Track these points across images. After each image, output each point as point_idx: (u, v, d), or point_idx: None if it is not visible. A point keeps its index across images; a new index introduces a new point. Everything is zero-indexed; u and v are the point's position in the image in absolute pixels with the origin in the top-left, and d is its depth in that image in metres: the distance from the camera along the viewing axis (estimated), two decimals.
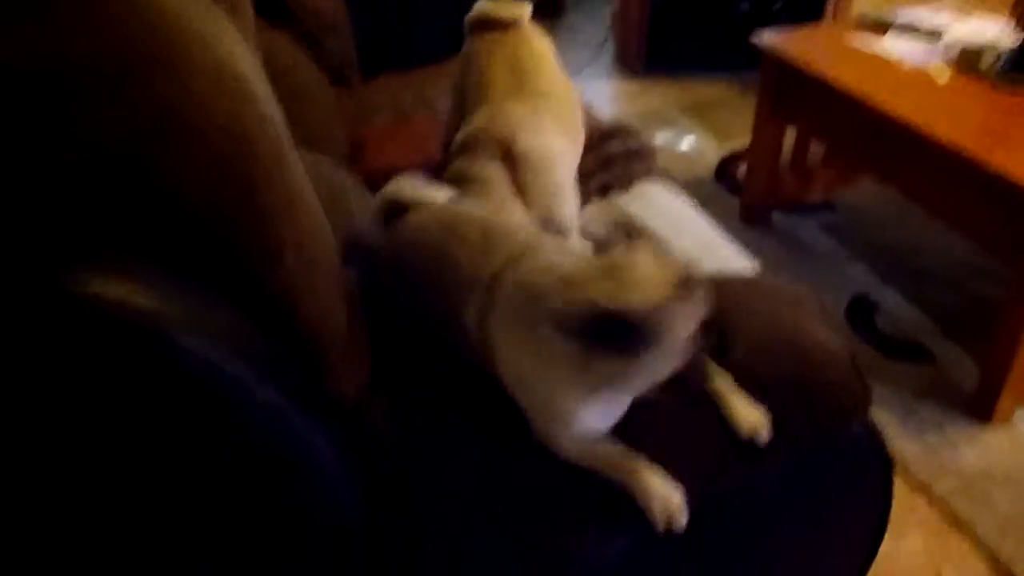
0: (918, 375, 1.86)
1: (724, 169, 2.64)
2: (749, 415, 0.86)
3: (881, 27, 2.12)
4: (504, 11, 1.39)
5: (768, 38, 2.10)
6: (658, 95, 3.18)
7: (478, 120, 1.25)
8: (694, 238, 1.34)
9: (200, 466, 0.68)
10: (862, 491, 1.03)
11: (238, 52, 0.86)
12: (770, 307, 0.97)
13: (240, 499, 0.72)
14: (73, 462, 0.64)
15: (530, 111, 1.24)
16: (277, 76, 1.38)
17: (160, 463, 0.67)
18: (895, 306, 2.06)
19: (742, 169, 2.55)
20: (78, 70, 0.64)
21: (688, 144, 2.85)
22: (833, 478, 0.98)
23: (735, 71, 3.21)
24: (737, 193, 2.48)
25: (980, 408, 1.75)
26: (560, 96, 1.32)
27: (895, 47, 2.03)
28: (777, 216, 2.38)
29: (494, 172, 1.16)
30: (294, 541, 0.76)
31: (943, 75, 1.90)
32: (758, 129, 2.23)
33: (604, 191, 1.48)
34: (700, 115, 3.02)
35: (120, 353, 0.62)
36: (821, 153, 2.42)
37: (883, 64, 1.97)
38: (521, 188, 1.17)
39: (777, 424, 0.87)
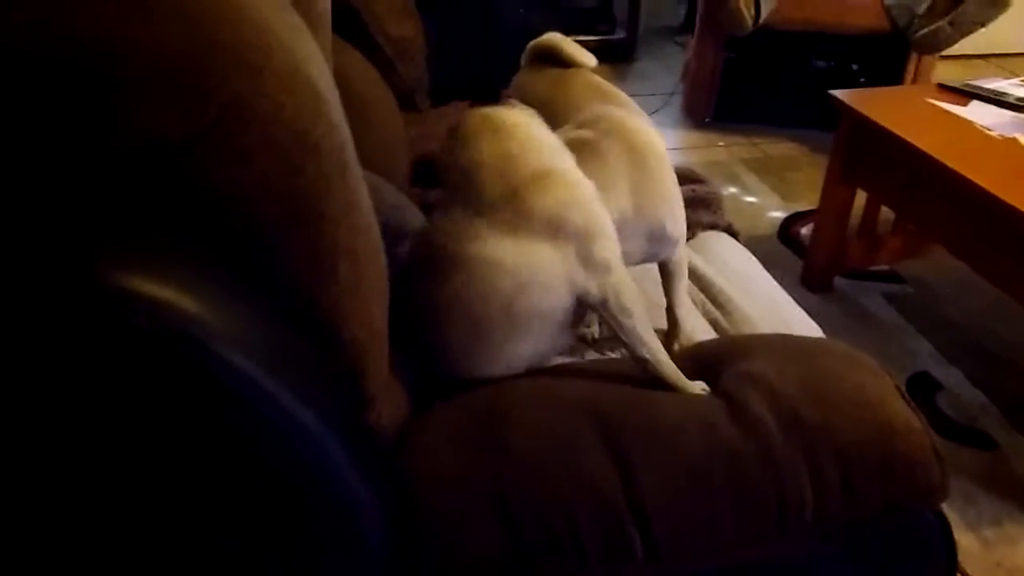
0: (978, 463, 1.76)
1: (788, 229, 2.57)
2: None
3: (965, 95, 2.06)
4: (576, 51, 1.36)
5: (846, 95, 2.04)
6: (724, 148, 3.14)
7: (584, 116, 1.12)
8: (759, 297, 1.28)
9: (224, 484, 0.65)
10: None
11: (314, 60, 0.84)
12: (848, 371, 0.91)
13: (268, 524, 0.68)
14: (89, 464, 0.61)
15: (636, 115, 1.17)
16: (348, 94, 1.37)
17: (182, 474, 0.64)
18: (958, 387, 1.96)
19: (806, 231, 2.48)
20: (151, 53, 0.62)
21: (752, 200, 2.79)
22: (894, 564, 0.91)
23: (806, 130, 3.15)
24: (800, 255, 2.41)
25: None
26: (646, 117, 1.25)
27: (980, 115, 1.96)
28: (840, 282, 2.30)
29: (614, 158, 1.04)
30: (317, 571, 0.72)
31: None
32: (828, 190, 2.16)
33: None
34: (766, 172, 2.96)
35: (154, 356, 0.59)
36: (891, 219, 2.35)
37: (967, 131, 1.90)
38: (638, 187, 1.05)
39: (850, 492, 0.81)
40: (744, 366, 0.89)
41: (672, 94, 3.47)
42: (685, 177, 1.55)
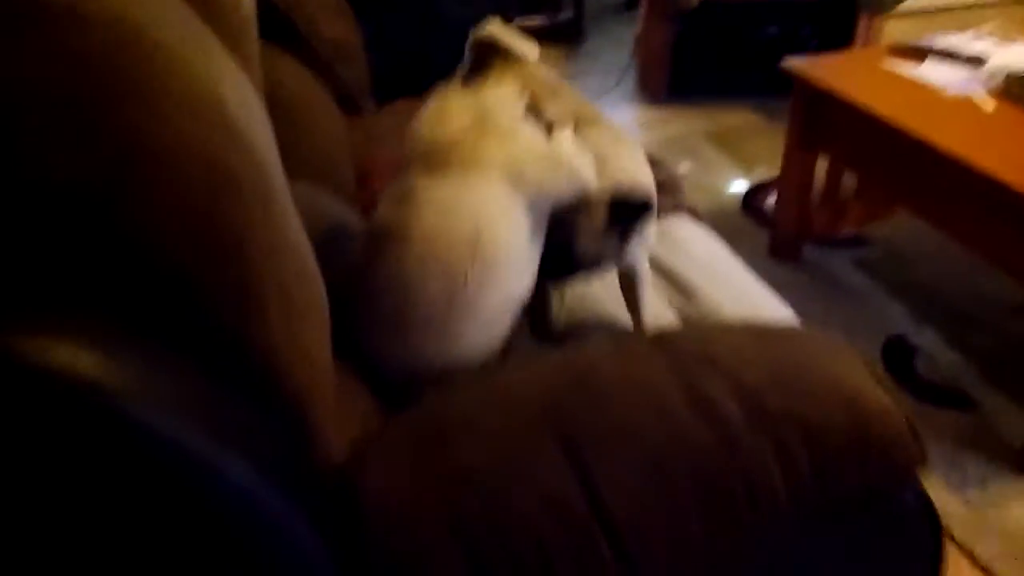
0: (960, 425, 1.74)
1: (751, 200, 2.54)
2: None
3: (919, 54, 2.03)
4: (516, 43, 1.28)
5: (799, 64, 2.00)
6: (682, 123, 3.10)
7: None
8: (726, 282, 1.24)
9: (156, 548, 0.59)
10: (909, 566, 0.93)
11: (228, 81, 0.78)
12: (820, 359, 0.88)
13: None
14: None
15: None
16: (282, 103, 1.31)
17: (106, 540, 0.58)
18: (934, 349, 1.94)
19: (769, 200, 2.45)
20: (29, 96, 0.56)
21: (712, 173, 2.76)
22: (879, 549, 0.88)
23: (762, 98, 3.12)
24: (765, 225, 2.38)
25: None
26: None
27: (934, 74, 1.93)
28: (808, 250, 2.28)
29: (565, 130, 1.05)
30: None
31: (987, 104, 1.80)
32: (788, 159, 2.13)
33: None
34: (725, 143, 2.93)
35: (58, 425, 0.53)
36: (854, 184, 2.32)
37: (922, 92, 1.88)
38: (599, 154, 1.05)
39: (823, 477, 0.78)
40: (706, 354, 0.85)
41: (624, 72, 3.41)
42: None
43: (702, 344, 0.88)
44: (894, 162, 1.89)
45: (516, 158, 0.98)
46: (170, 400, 0.59)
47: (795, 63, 2.00)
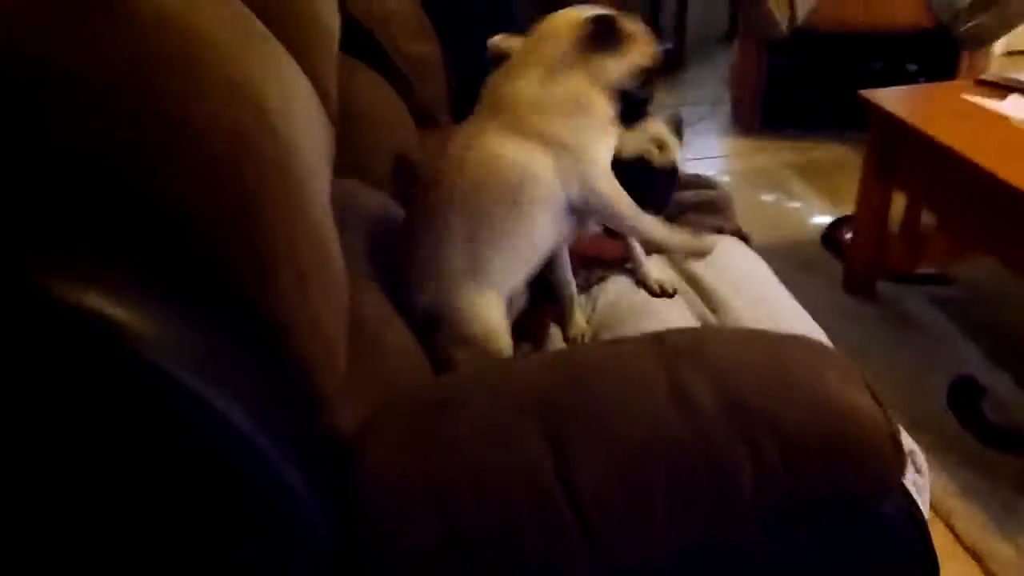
0: (1022, 472, 1.68)
1: (832, 234, 2.50)
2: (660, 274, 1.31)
3: (1003, 89, 1.98)
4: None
5: (876, 94, 1.99)
6: (772, 154, 3.08)
7: None
8: (757, 300, 1.25)
9: (155, 484, 0.68)
10: None
11: (271, 76, 0.88)
12: (810, 366, 0.89)
13: (201, 524, 0.71)
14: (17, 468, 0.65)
15: None
16: (354, 112, 1.41)
17: (110, 477, 0.67)
18: (1006, 393, 1.87)
19: (849, 235, 2.41)
20: (75, 77, 0.65)
21: (795, 206, 2.74)
22: (855, 559, 0.88)
23: (861, 134, 3.06)
24: (842, 259, 2.35)
25: None
26: None
27: (1017, 109, 1.88)
28: (883, 286, 2.23)
29: None
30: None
31: None
32: (864, 192, 2.11)
33: None
34: (814, 177, 2.90)
35: (76, 360, 0.62)
36: (935, 220, 2.26)
37: (1001, 126, 1.83)
38: None
39: (794, 473, 0.79)
40: (696, 352, 0.89)
41: (715, 103, 3.42)
42: (690, 181, 1.54)
43: (695, 343, 0.91)
44: (968, 199, 1.84)
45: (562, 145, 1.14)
46: (182, 347, 0.67)
47: (872, 93, 1.99)
